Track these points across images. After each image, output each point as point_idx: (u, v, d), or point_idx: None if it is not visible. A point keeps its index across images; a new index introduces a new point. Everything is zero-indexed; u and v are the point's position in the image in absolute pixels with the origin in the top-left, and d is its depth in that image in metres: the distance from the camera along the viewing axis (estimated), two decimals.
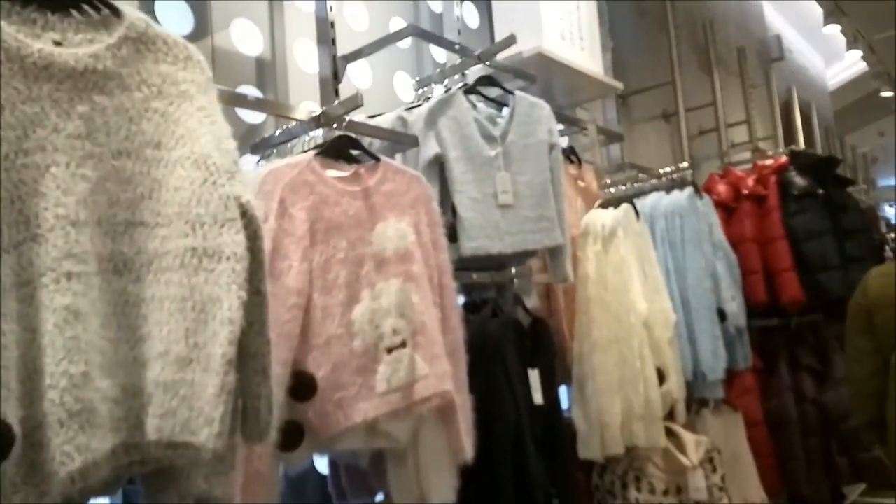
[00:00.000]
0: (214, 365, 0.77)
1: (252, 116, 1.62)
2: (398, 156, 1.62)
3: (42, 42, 0.76)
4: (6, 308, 0.68)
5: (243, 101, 1.23)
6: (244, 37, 1.64)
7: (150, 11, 1.46)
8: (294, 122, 1.30)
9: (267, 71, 1.68)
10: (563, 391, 1.64)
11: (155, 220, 0.81)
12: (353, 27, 1.92)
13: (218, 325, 0.78)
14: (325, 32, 1.54)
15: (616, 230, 1.72)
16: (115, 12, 0.83)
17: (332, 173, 1.19)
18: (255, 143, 1.39)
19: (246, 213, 0.85)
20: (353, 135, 1.24)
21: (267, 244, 1.07)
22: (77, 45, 0.79)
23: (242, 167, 0.88)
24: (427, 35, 1.76)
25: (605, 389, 1.50)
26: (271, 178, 1.11)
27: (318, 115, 1.23)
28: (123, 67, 0.82)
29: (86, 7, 0.81)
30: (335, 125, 1.24)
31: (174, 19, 1.51)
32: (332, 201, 1.17)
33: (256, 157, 1.41)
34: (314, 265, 1.13)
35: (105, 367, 0.76)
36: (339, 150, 1.22)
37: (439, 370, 1.16)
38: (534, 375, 1.41)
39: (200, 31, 1.55)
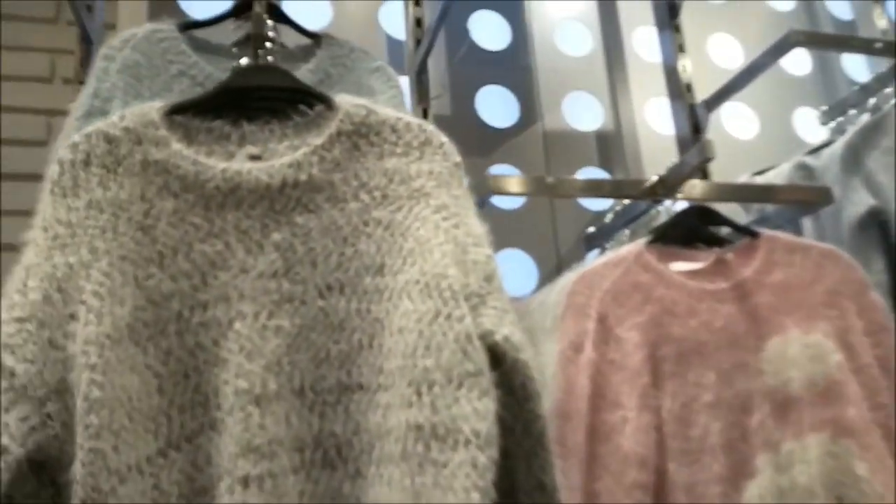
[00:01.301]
0: None
1: (596, 203, 1.32)
2: (807, 223, 1.12)
3: (235, 160, 0.60)
4: None
5: (544, 185, 0.93)
6: (580, 112, 1.38)
7: (471, 106, 1.32)
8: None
9: (611, 145, 1.38)
10: None
11: (376, 380, 0.55)
12: (723, 65, 1.50)
13: None
14: (676, 82, 1.18)
15: None
16: (329, 104, 0.64)
17: (678, 267, 0.79)
18: (588, 233, 1.08)
19: (504, 359, 0.53)
20: (709, 205, 0.83)
21: (584, 386, 0.73)
22: (281, 156, 0.61)
23: (501, 285, 0.58)
24: (822, 39, 1.24)
25: None
26: (583, 287, 0.77)
27: (654, 184, 0.86)
28: (335, 172, 0.60)
29: (299, 108, 0.64)
30: (679, 194, 0.84)
31: (498, 112, 1.34)
32: (684, 310, 0.76)
33: (595, 253, 1.09)
34: (664, 415, 0.72)
35: None
36: (689, 230, 0.81)
37: None
38: None
39: (528, 118, 1.35)
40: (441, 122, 1.36)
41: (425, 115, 1.11)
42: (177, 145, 0.57)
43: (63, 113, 0.81)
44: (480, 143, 1.29)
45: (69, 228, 0.52)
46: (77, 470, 0.45)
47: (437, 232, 0.58)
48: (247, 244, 0.56)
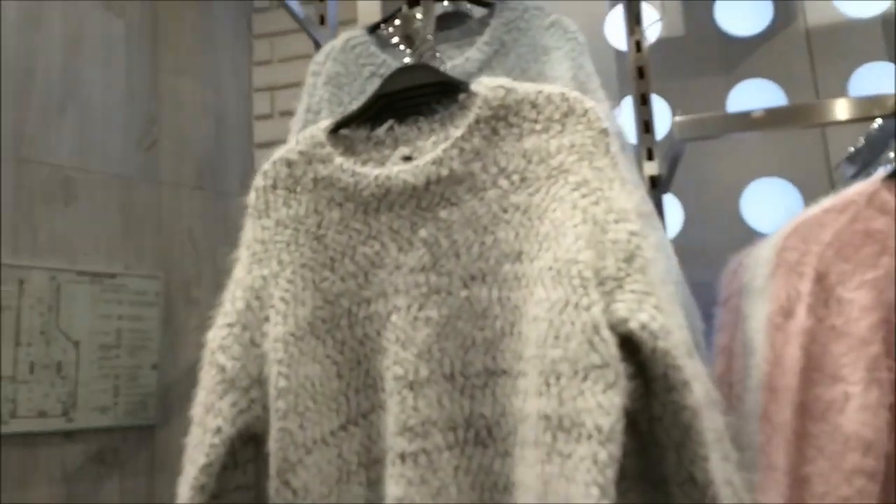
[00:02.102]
0: None
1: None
2: None
3: (388, 164, 0.65)
4: (348, 494, 0.59)
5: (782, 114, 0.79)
6: None
7: (709, 18, 1.16)
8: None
9: None
10: None
11: (517, 366, 0.57)
12: None
13: None
14: None
15: None
16: (469, 92, 0.64)
17: None
18: (849, 154, 0.89)
19: (642, 348, 0.50)
20: None
21: (795, 358, 0.64)
22: (428, 153, 0.64)
23: (646, 264, 0.53)
24: None
25: None
26: (797, 241, 0.66)
27: None
28: (475, 161, 0.62)
29: (447, 99, 0.66)
30: None
31: (744, 18, 1.15)
32: None
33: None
34: None
35: None
36: None
37: None
38: None
39: (783, 18, 1.13)
40: (674, 45, 1.23)
41: (638, 47, 1.03)
42: (339, 159, 0.65)
43: None
44: (723, 59, 1.13)
45: (263, 245, 0.64)
46: (271, 445, 0.57)
47: (573, 212, 0.56)
48: (399, 242, 0.62)
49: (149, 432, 1.34)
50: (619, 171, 0.59)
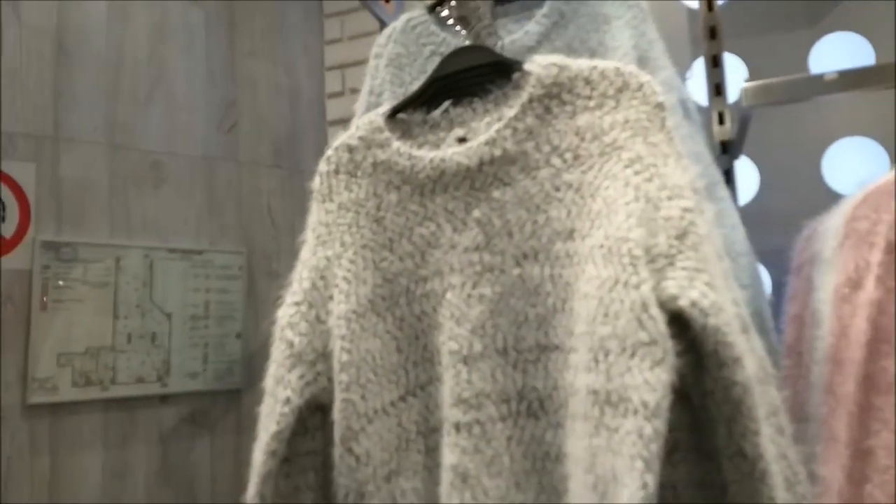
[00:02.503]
0: None
1: None
2: None
3: (443, 146, 0.66)
4: (407, 461, 0.62)
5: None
6: None
7: None
8: None
9: None
10: None
11: (569, 342, 0.58)
12: None
13: None
14: None
15: None
16: (521, 70, 0.65)
17: None
18: None
19: (692, 325, 0.50)
20: None
21: (862, 330, 0.62)
22: (482, 133, 0.65)
23: (700, 240, 0.53)
24: None
25: None
26: (867, 210, 0.63)
27: None
28: (528, 141, 0.62)
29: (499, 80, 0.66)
30: None
31: None
32: None
33: None
34: None
35: None
36: None
37: None
38: None
39: None
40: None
41: (710, 6, 0.99)
42: (396, 143, 0.67)
43: None
44: (806, 12, 1.07)
45: (327, 228, 0.68)
46: (335, 414, 0.61)
47: (625, 190, 0.56)
48: (453, 223, 0.64)
49: (236, 396, 1.44)
50: (674, 147, 0.58)
